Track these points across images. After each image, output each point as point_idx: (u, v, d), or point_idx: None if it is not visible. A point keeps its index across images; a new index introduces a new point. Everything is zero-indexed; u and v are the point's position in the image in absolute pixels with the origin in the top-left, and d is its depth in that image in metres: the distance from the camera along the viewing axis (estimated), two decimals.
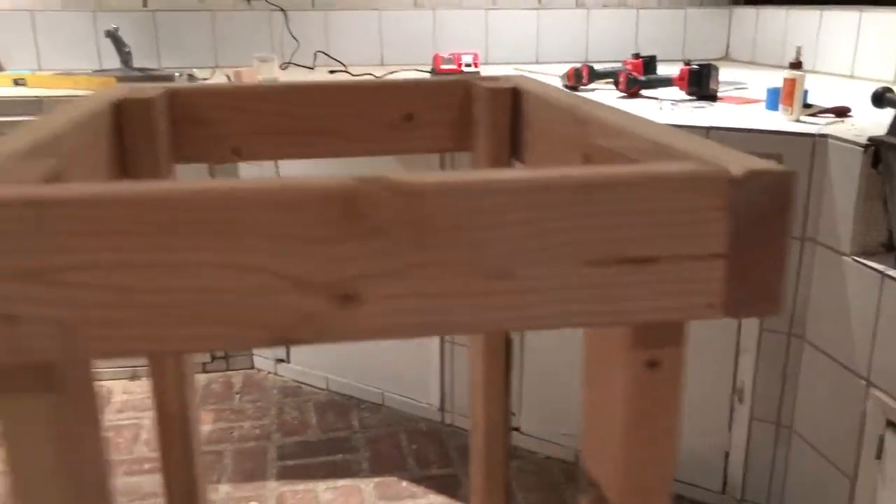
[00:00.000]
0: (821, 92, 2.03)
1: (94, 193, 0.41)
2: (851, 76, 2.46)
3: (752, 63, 2.99)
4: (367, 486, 1.92)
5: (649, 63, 2.24)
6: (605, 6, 3.12)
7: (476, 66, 2.61)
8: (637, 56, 2.25)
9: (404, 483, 1.93)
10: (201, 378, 2.46)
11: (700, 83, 1.97)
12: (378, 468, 1.98)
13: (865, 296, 1.44)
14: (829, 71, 2.54)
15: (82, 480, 0.50)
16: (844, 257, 1.50)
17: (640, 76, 2.09)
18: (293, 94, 0.94)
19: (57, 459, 0.49)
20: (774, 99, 1.81)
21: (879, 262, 1.44)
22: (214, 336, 0.44)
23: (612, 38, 3.12)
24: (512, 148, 0.92)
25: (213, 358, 2.48)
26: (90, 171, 0.72)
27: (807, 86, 1.71)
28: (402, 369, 2.23)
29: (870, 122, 1.63)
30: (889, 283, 1.39)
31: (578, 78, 2.19)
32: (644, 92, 2.07)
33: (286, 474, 1.96)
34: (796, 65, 1.67)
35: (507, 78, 0.95)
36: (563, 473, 1.97)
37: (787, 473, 1.72)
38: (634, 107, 1.90)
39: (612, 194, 0.45)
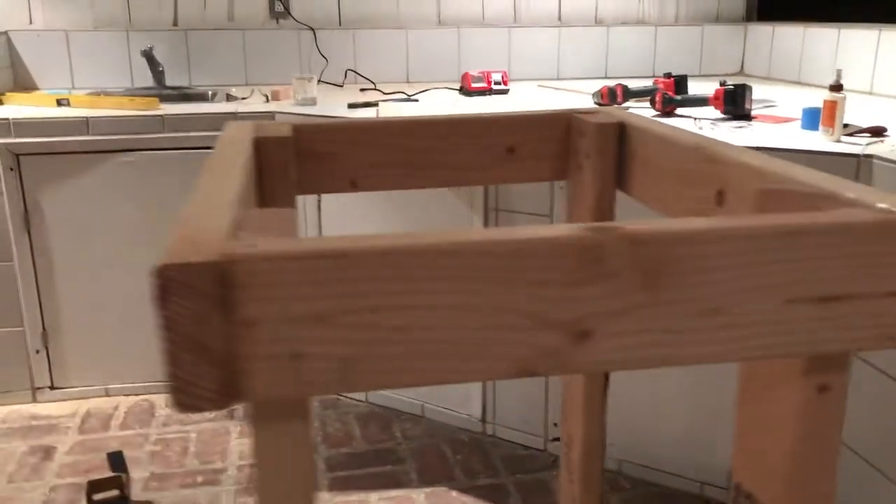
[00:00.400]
0: (846, 110, 2.10)
1: (378, 246, 0.47)
2: (871, 93, 2.54)
3: (767, 79, 3.07)
4: (419, 496, 1.97)
5: (681, 82, 2.31)
6: (623, 23, 3.20)
7: (505, 83, 2.67)
8: (669, 75, 2.32)
9: (454, 493, 1.98)
10: None
11: (735, 102, 2.04)
12: (426, 479, 2.04)
13: None
14: (848, 87, 2.62)
15: (309, 496, 0.56)
16: None
17: (674, 95, 2.16)
18: (404, 129, 1.00)
19: (297, 479, 0.54)
20: (811, 118, 1.88)
21: None
22: (468, 370, 0.50)
23: (631, 54, 3.19)
24: (616, 180, 0.98)
25: None
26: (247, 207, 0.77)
27: (815, 103, 1.78)
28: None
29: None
30: None
31: (613, 97, 2.26)
32: (679, 111, 2.14)
33: (337, 485, 2.01)
34: (836, 87, 1.74)
35: (607, 113, 1.01)
36: (607, 483, 2.03)
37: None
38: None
39: (812, 240, 0.51)
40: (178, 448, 2.19)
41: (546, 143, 1.03)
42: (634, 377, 1.95)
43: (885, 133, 1.80)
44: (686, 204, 0.82)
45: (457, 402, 2.28)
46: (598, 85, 2.79)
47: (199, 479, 2.05)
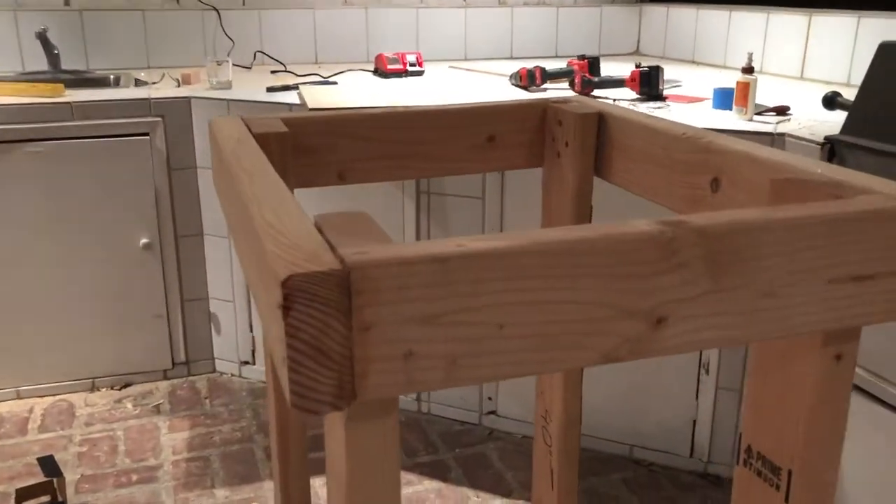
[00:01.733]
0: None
1: (483, 248, 0.49)
2: (761, 72, 2.71)
3: (663, 58, 3.22)
4: None
5: (594, 63, 2.40)
6: (525, 4, 3.26)
7: (420, 65, 2.69)
8: (583, 57, 2.41)
9: None
10: (164, 385, 2.44)
11: (650, 84, 2.14)
12: None
13: None
14: (735, 66, 2.79)
15: (397, 492, 0.58)
16: None
17: (591, 77, 2.24)
18: (390, 121, 1.01)
19: (385, 476, 0.56)
20: (722, 98, 2.00)
21: None
22: (559, 360, 0.53)
23: (533, 35, 3.27)
24: (594, 167, 1.03)
25: (175, 364, 2.46)
26: None
27: (721, 83, 1.91)
28: None
29: (809, 119, 1.84)
30: None
31: (532, 79, 2.32)
32: (596, 92, 2.23)
33: None
34: (748, 69, 1.86)
35: (583, 102, 1.05)
36: None
37: None
38: None
39: (849, 226, 0.57)
40: (107, 447, 2.12)
41: (523, 132, 1.07)
42: None
43: (789, 112, 1.94)
44: (679, 190, 0.87)
45: None
46: (506, 66, 2.86)
47: (134, 477, 1.99)
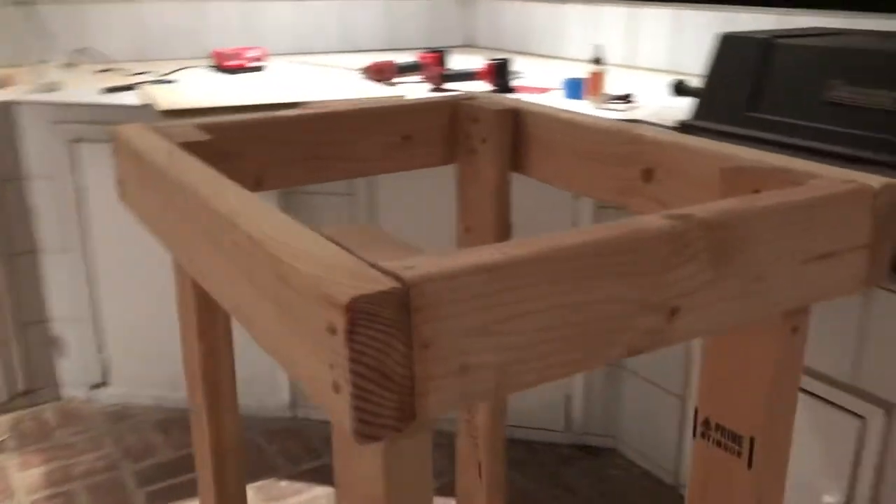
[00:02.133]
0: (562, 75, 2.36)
1: (528, 254, 0.49)
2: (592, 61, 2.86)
3: (497, 50, 3.31)
4: (248, 492, 1.91)
5: (443, 56, 2.43)
6: None
7: (262, 60, 2.60)
8: (432, 50, 2.43)
9: (283, 483, 1.96)
10: (5, 419, 2.22)
11: (502, 76, 2.20)
12: (249, 474, 1.98)
13: None
14: (570, 56, 2.93)
15: None
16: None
17: (445, 70, 2.27)
18: (307, 123, 0.98)
19: (423, 498, 0.55)
20: (572, 88, 2.09)
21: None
22: (594, 357, 0.54)
23: (368, 27, 3.26)
24: (512, 163, 1.05)
25: (14, 395, 2.24)
26: None
27: (560, 73, 2.01)
28: (244, 373, 2.21)
29: (656, 106, 1.97)
30: None
31: (384, 73, 2.31)
32: (449, 85, 2.26)
33: (157, 498, 1.89)
34: (597, 60, 1.96)
35: (493, 99, 1.07)
36: None
37: (622, 403, 2.05)
38: None
39: (818, 211, 0.63)
40: None
41: (436, 130, 1.07)
42: None
43: (632, 99, 2.06)
44: (608, 182, 0.91)
45: (263, 393, 2.23)
46: (344, 59, 2.83)
47: None
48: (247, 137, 0.93)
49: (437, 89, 2.23)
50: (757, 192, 0.70)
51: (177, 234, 0.72)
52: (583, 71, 2.07)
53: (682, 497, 1.91)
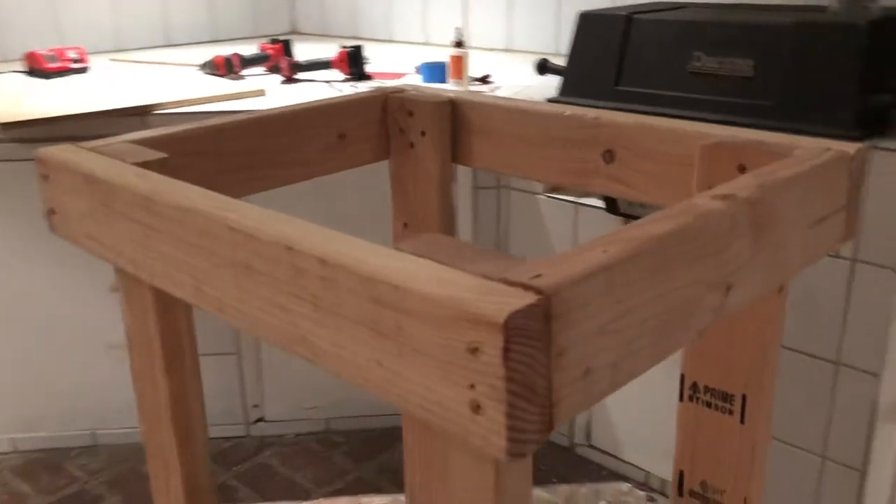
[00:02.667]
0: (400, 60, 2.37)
1: (635, 249, 0.50)
2: (426, 43, 2.88)
3: (325, 36, 3.25)
4: None
5: (287, 46, 2.35)
6: None
7: (84, 61, 2.39)
8: (275, 41, 2.34)
9: None
10: None
11: (357, 63, 2.17)
12: None
13: (562, 224, 1.85)
14: (399, 39, 2.94)
15: None
16: (538, 196, 1.89)
17: (293, 60, 2.20)
18: (240, 130, 0.92)
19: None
20: (431, 72, 2.10)
21: (567, 194, 1.85)
22: (675, 342, 0.56)
23: (186, 19, 3.08)
24: (453, 154, 1.04)
25: None
26: None
27: (404, 58, 2.03)
28: (112, 400, 2.05)
29: (519, 85, 2.02)
30: (581, 209, 1.81)
31: (230, 66, 2.20)
32: (302, 75, 2.19)
33: None
34: (459, 43, 1.98)
35: (429, 91, 1.05)
36: (320, 444, 2.08)
37: None
38: (307, 90, 2.02)
39: (818, 179, 0.67)
40: None
41: (369, 126, 1.04)
42: None
43: (490, 80, 2.11)
44: (564, 165, 0.93)
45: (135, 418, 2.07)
46: (166, 55, 2.67)
47: None
48: (180, 151, 0.86)
49: (289, 80, 2.16)
50: (742, 166, 0.75)
51: (171, 264, 0.65)
52: (443, 54, 2.08)
53: (579, 457, 2.01)
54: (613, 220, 1.73)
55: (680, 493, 0.89)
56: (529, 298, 0.43)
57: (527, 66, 2.32)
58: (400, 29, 2.98)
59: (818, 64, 1.46)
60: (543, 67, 1.88)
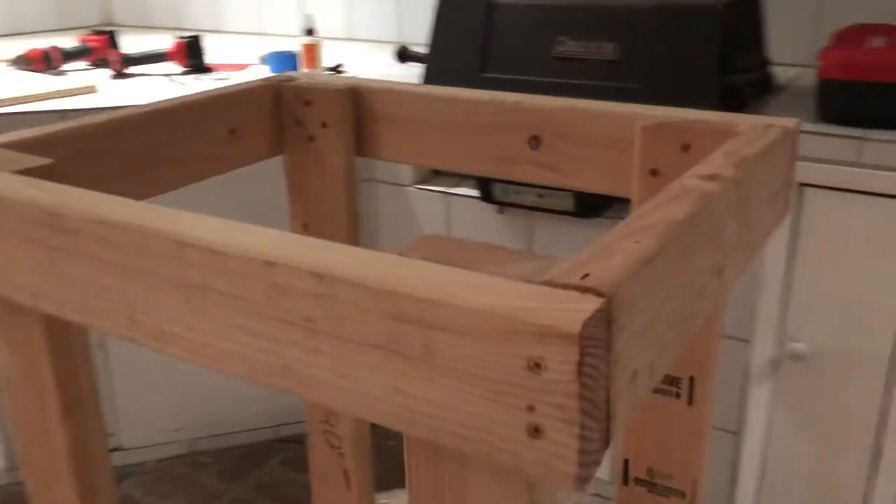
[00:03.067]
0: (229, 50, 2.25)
1: (659, 244, 0.46)
2: (261, 33, 2.74)
3: (144, 27, 3.01)
4: None
5: (113, 38, 2.14)
6: None
7: None
8: (99, 32, 2.13)
9: None
10: None
11: (196, 55, 2.01)
12: None
13: (434, 216, 1.81)
14: (231, 30, 2.78)
15: None
16: (407, 188, 1.83)
17: (122, 53, 2.01)
18: (126, 127, 0.80)
19: None
20: (280, 62, 1.98)
21: (438, 185, 1.81)
22: (688, 332, 0.52)
23: (11, 8, 2.75)
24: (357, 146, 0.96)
25: None
26: None
27: (225, 45, 1.93)
28: None
29: (379, 73, 1.95)
30: (453, 199, 1.78)
31: (48, 61, 1.98)
32: (135, 69, 2.00)
33: None
34: (310, 32, 1.87)
35: (326, 78, 0.97)
36: (187, 466, 1.92)
37: None
38: (144, 85, 1.85)
39: (770, 154, 0.67)
40: None
41: (261, 119, 0.95)
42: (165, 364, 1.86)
43: (343, 70, 2.03)
44: (485, 152, 0.88)
45: None
46: None
47: None
48: (71, 153, 0.73)
49: (120, 75, 1.97)
50: (686, 146, 0.73)
51: (90, 291, 0.54)
52: (283, 44, 1.98)
53: None
54: (488, 209, 1.71)
55: (625, 483, 0.87)
56: (594, 303, 0.38)
57: (375, 54, 2.25)
58: (229, 19, 2.81)
59: (679, 46, 1.50)
60: (404, 55, 1.82)
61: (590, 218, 1.62)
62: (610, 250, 0.44)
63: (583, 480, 0.39)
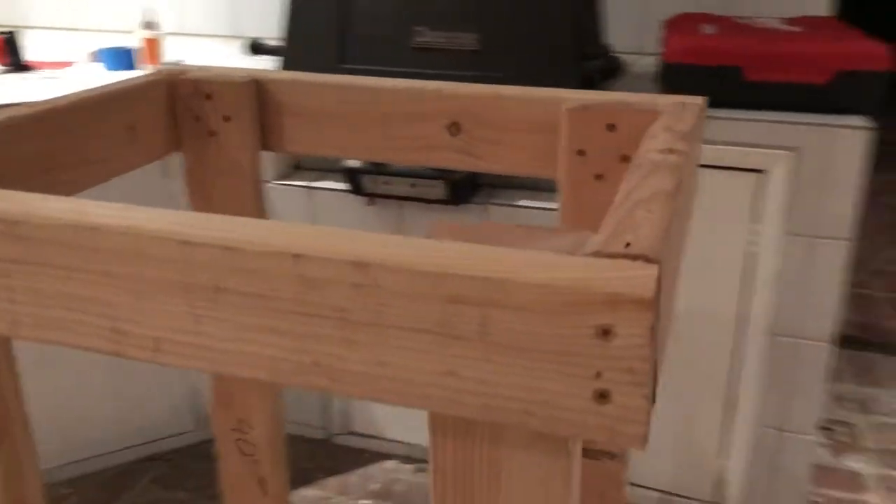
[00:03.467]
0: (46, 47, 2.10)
1: (666, 195, 0.48)
2: (75, 29, 2.55)
3: None
4: None
5: None
6: None
7: None
8: None
9: None
10: None
11: (16, 52, 1.84)
12: None
13: (298, 212, 1.77)
14: (44, 25, 2.58)
15: None
16: (267, 184, 1.78)
17: None
18: (27, 127, 0.73)
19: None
20: (116, 58, 1.85)
21: (297, 179, 1.77)
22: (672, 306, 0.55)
23: None
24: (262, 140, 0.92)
25: None
26: None
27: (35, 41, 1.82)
28: None
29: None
30: (316, 193, 1.75)
31: None
32: None
33: None
34: (151, 25, 1.76)
35: (223, 70, 0.92)
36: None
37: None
38: None
39: (696, 133, 0.72)
40: None
41: (157, 114, 0.89)
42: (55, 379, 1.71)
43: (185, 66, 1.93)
44: (402, 142, 0.88)
45: None
46: None
47: None
48: None
49: None
50: (611, 126, 0.77)
51: (61, 304, 0.48)
52: (108, 40, 1.85)
53: (339, 446, 1.96)
54: (356, 201, 1.70)
55: None
56: (651, 269, 0.40)
57: (216, 48, 2.16)
58: (37, 15, 2.59)
59: (537, 34, 1.56)
60: (257, 48, 1.76)
61: (458, 205, 1.65)
62: (632, 220, 0.46)
63: (646, 441, 0.41)
